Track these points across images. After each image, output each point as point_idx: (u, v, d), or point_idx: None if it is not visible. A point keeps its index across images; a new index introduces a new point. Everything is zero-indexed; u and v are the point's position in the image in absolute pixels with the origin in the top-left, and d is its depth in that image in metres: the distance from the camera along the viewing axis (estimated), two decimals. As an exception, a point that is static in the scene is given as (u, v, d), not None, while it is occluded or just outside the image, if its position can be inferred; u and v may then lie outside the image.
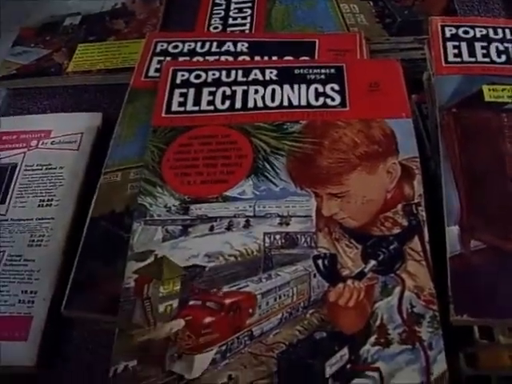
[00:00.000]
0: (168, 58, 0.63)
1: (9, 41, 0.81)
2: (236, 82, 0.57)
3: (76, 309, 0.48)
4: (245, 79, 0.58)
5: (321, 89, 0.56)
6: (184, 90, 0.57)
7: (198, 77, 0.58)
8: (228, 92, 0.57)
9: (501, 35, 0.58)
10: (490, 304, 0.42)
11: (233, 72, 0.58)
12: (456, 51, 0.57)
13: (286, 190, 0.49)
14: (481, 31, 0.58)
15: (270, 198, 0.49)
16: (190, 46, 0.65)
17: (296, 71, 0.58)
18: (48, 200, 0.59)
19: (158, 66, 0.62)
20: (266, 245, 0.47)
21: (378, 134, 0.51)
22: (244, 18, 0.73)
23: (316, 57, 0.62)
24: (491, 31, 0.58)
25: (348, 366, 0.41)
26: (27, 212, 0.58)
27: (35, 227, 0.57)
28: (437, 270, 0.44)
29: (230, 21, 0.73)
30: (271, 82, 0.57)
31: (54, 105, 0.73)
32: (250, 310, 0.43)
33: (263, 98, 0.56)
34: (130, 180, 0.54)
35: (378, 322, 0.42)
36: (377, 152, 0.50)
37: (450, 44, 0.57)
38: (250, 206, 0.49)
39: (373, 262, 0.45)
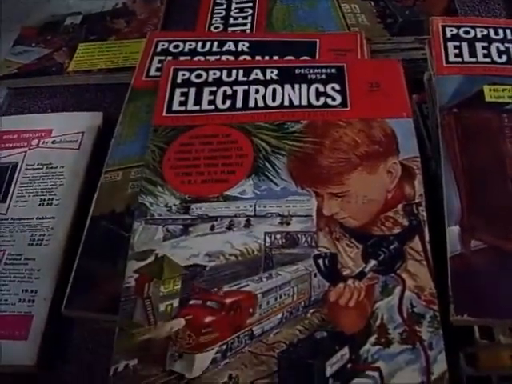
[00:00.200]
0: (169, 58, 0.63)
1: (10, 40, 0.81)
2: (237, 82, 0.57)
3: (76, 308, 0.48)
4: (246, 79, 0.58)
5: (321, 88, 0.56)
6: (185, 90, 0.57)
7: (198, 76, 0.58)
8: (229, 91, 0.57)
9: (501, 35, 0.58)
10: (491, 304, 0.42)
11: (234, 71, 0.58)
12: (457, 51, 0.57)
13: (286, 190, 0.49)
14: (482, 31, 0.58)
15: (270, 198, 0.49)
16: (190, 45, 0.65)
17: (297, 71, 0.58)
18: (49, 199, 0.59)
19: (159, 66, 0.62)
20: (267, 244, 0.47)
21: (378, 133, 0.51)
22: (245, 17, 0.73)
23: (317, 57, 0.62)
24: (492, 31, 0.58)
25: (348, 365, 0.41)
26: (28, 211, 0.59)
27: (36, 226, 0.57)
28: (437, 270, 0.44)
29: (231, 20, 0.73)
30: (272, 81, 0.57)
31: (54, 104, 0.73)
32: (251, 310, 0.43)
33: (264, 97, 0.56)
34: (131, 179, 0.54)
35: (378, 322, 0.42)
36: (377, 152, 0.50)
37: (450, 44, 0.57)
38: (251, 206, 0.49)
39: (373, 262, 0.45)
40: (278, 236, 0.47)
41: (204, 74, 0.58)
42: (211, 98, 0.56)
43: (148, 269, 0.46)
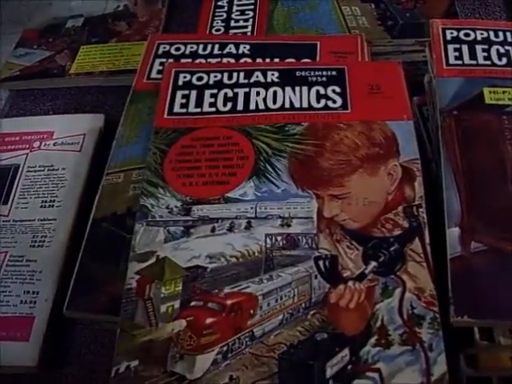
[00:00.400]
0: (170, 60, 0.64)
1: (12, 42, 0.81)
2: (238, 84, 0.57)
3: (78, 309, 0.48)
4: (247, 81, 0.58)
5: (322, 91, 0.56)
6: (186, 92, 0.57)
7: (200, 79, 0.58)
8: (230, 94, 0.57)
9: (502, 38, 0.58)
10: (491, 305, 0.42)
11: (235, 74, 0.58)
12: (457, 54, 0.57)
13: (287, 192, 0.50)
14: (482, 34, 0.59)
15: (271, 200, 0.49)
16: (192, 47, 0.65)
17: (298, 73, 0.58)
18: (50, 201, 0.59)
19: (160, 68, 0.63)
20: (268, 246, 0.47)
21: (379, 136, 0.52)
22: (246, 20, 0.73)
23: (317, 59, 0.63)
24: (492, 34, 0.58)
25: (349, 366, 0.41)
26: (29, 213, 0.59)
27: (37, 228, 0.57)
28: (437, 272, 0.44)
29: (232, 23, 0.73)
30: (273, 84, 0.57)
31: (56, 106, 0.74)
32: (252, 311, 0.44)
33: (265, 100, 0.56)
34: (132, 181, 0.54)
35: (378, 323, 0.42)
36: (378, 154, 0.50)
37: (451, 46, 0.57)
38: (252, 208, 0.49)
39: (373, 264, 0.45)
40: (279, 238, 0.47)
41: (205, 76, 0.59)
42: (212, 100, 0.56)
43: (149, 270, 0.46)
